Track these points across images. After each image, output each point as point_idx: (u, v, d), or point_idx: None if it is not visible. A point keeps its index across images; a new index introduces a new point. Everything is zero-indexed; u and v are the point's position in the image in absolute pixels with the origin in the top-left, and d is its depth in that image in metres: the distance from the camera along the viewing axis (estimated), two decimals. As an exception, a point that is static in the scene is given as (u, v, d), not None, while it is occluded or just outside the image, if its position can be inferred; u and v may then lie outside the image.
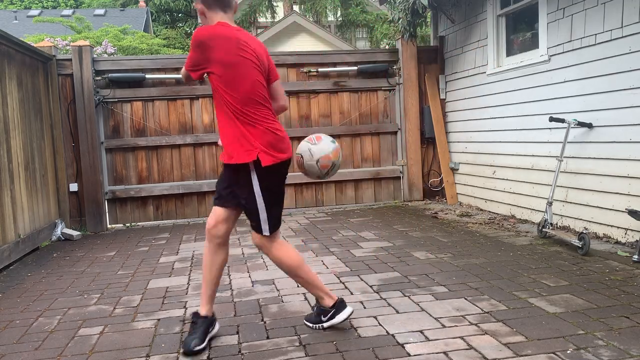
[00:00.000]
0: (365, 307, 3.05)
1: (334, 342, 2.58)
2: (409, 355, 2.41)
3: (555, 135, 4.83)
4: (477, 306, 2.97)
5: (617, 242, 4.20)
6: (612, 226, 4.28)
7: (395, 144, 7.00)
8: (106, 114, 6.29)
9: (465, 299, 3.11)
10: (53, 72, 5.92)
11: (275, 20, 16.75)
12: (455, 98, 6.74)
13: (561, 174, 4.65)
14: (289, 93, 6.69)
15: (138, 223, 6.41)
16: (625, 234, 4.14)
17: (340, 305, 2.71)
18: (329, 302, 2.71)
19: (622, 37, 4.05)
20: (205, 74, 2.56)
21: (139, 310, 3.21)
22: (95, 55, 6.41)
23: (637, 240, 3.86)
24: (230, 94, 2.51)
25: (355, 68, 6.80)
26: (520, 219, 5.46)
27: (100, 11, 23.86)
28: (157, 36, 18.00)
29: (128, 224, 6.37)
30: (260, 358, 2.47)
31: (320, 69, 6.74)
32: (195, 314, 2.66)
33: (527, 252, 4.13)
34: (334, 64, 6.81)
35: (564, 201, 4.78)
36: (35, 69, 5.52)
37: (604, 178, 4.33)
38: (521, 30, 5.61)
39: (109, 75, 6.21)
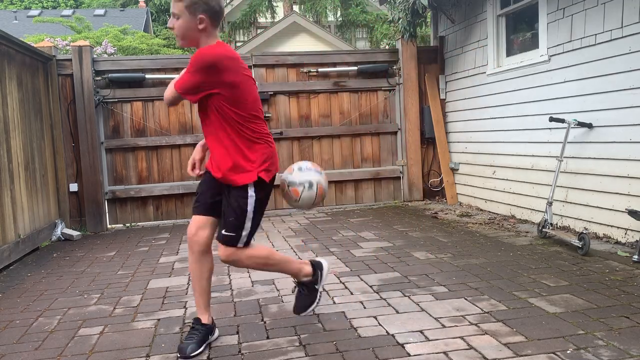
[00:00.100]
0: (365, 307, 3.05)
1: (334, 342, 2.58)
2: (409, 355, 2.41)
3: (555, 136, 4.83)
4: (477, 306, 2.98)
5: (617, 242, 4.20)
6: (612, 226, 4.28)
7: (395, 144, 7.00)
8: (106, 114, 6.29)
9: (465, 299, 3.11)
10: (53, 72, 5.93)
11: (275, 20, 16.75)
12: (455, 98, 6.74)
13: (561, 174, 4.65)
14: (289, 93, 6.69)
15: (138, 223, 6.41)
16: (625, 234, 4.14)
17: (317, 264, 2.83)
18: (309, 269, 2.77)
19: (622, 37, 4.05)
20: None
21: (139, 310, 3.21)
22: (95, 56, 6.42)
23: (637, 240, 3.86)
24: (236, 112, 2.44)
25: (355, 68, 6.80)
26: (520, 219, 5.46)
27: (100, 11, 23.86)
28: (157, 36, 18.00)
29: (128, 224, 6.37)
30: (260, 358, 2.47)
31: (320, 69, 6.74)
32: (197, 320, 2.64)
33: (527, 252, 4.13)
34: (334, 64, 6.81)
35: (564, 201, 4.78)
36: (35, 69, 5.52)
37: (604, 178, 4.33)
38: (521, 30, 5.61)
39: (109, 75, 6.21)
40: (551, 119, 4.54)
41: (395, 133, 6.99)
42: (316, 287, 2.79)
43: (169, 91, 2.51)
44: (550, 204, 4.45)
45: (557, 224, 4.82)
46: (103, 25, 14.83)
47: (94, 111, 6.08)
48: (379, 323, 2.80)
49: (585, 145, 4.51)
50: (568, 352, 2.35)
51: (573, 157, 4.64)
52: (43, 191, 5.50)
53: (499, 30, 5.80)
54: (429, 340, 2.55)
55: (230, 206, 2.52)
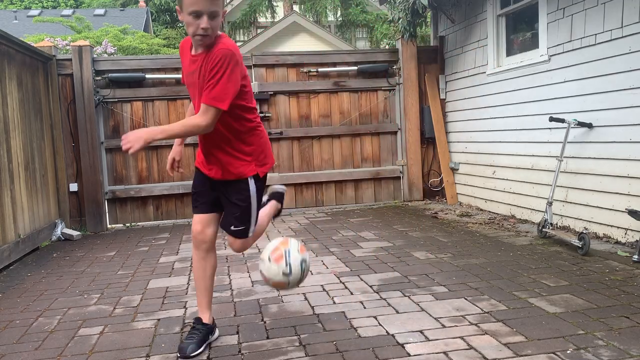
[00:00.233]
0: (365, 307, 3.05)
1: (334, 342, 2.58)
2: (409, 355, 2.41)
3: (555, 135, 4.82)
4: (477, 306, 2.98)
5: (617, 242, 4.20)
6: (612, 226, 4.28)
7: (395, 144, 7.00)
8: (106, 114, 6.29)
9: (465, 299, 3.11)
10: (53, 72, 5.92)
11: (275, 20, 16.75)
12: (455, 98, 6.74)
13: (561, 174, 4.65)
14: (289, 93, 6.69)
15: (138, 223, 6.41)
16: (625, 234, 4.14)
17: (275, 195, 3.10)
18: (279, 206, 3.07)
19: (622, 37, 4.05)
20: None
21: (139, 310, 3.21)
22: (95, 55, 6.42)
23: (637, 240, 3.86)
24: (242, 104, 2.44)
25: (355, 68, 6.80)
26: (520, 219, 5.46)
27: (100, 11, 23.86)
28: (157, 36, 18.00)
29: (128, 224, 6.37)
30: (260, 358, 2.47)
31: (320, 69, 6.74)
32: (198, 320, 2.64)
33: (527, 252, 4.13)
34: (334, 64, 6.81)
35: (564, 201, 4.78)
36: (35, 69, 5.52)
37: (604, 178, 4.33)
38: (521, 30, 5.61)
39: (109, 75, 6.21)
40: (551, 119, 4.54)
41: (395, 133, 6.99)
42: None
43: (204, 116, 2.28)
44: (550, 203, 4.45)
45: (557, 224, 4.82)
46: (103, 25, 14.83)
47: (94, 111, 6.08)
48: (379, 323, 2.80)
49: (585, 145, 4.51)
50: (568, 352, 2.35)
51: (573, 157, 4.64)
52: (43, 191, 5.50)
53: (499, 30, 5.80)
54: (429, 340, 2.55)
55: (233, 202, 2.55)
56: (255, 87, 6.36)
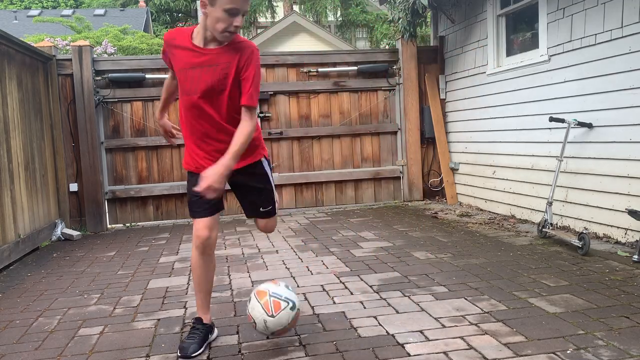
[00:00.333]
0: (365, 307, 3.05)
1: (334, 342, 2.58)
2: (409, 355, 2.41)
3: (555, 135, 4.82)
4: (477, 306, 2.97)
5: (617, 242, 4.20)
6: (612, 226, 4.28)
7: (395, 144, 7.00)
8: (106, 114, 6.29)
9: (465, 299, 3.11)
10: (53, 72, 5.92)
11: (275, 20, 16.75)
12: (455, 98, 6.74)
13: (561, 174, 4.65)
14: (289, 93, 6.69)
15: (138, 223, 6.41)
16: (625, 234, 4.14)
17: None
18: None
19: (622, 37, 4.05)
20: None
21: (139, 310, 3.21)
22: (95, 55, 6.42)
23: (637, 240, 3.86)
24: None
25: (355, 68, 6.80)
26: (520, 219, 5.46)
27: (100, 11, 23.86)
28: (157, 36, 17.99)
29: (128, 224, 6.37)
30: (260, 358, 2.47)
31: (320, 69, 6.74)
32: (198, 320, 2.63)
33: (527, 252, 4.13)
34: (334, 64, 6.81)
35: (564, 201, 4.78)
36: (35, 69, 5.52)
37: (604, 178, 4.33)
38: (521, 30, 5.61)
39: (109, 75, 6.21)
40: (551, 119, 4.54)
41: (395, 133, 6.99)
42: None
43: (252, 119, 2.41)
44: (550, 203, 4.45)
45: (557, 224, 4.82)
46: (103, 25, 14.82)
47: (94, 111, 6.08)
48: (379, 323, 2.80)
49: (585, 145, 4.51)
50: (568, 352, 2.35)
51: (573, 157, 4.64)
52: (43, 191, 5.50)
53: (499, 30, 5.80)
54: (429, 340, 2.55)
55: (255, 186, 2.63)
56: (255, 87, 6.36)
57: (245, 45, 2.39)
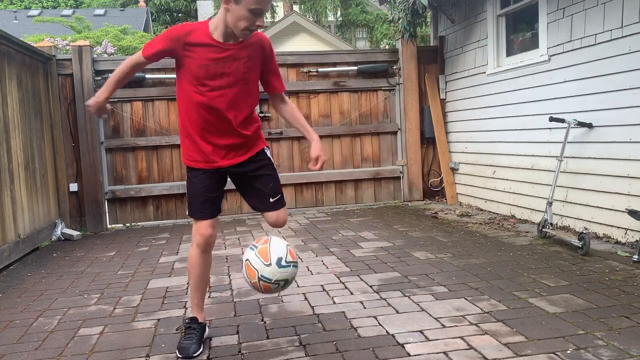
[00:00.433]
0: (365, 307, 3.05)
1: (334, 342, 2.58)
2: (409, 355, 2.41)
3: (555, 135, 4.82)
4: (477, 306, 2.97)
5: (617, 242, 4.20)
6: (612, 226, 4.28)
7: (395, 144, 7.00)
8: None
9: (465, 299, 3.11)
10: (53, 72, 5.92)
11: (275, 20, 16.75)
12: (455, 98, 6.74)
13: (561, 174, 4.65)
14: (289, 93, 6.68)
15: (138, 223, 6.41)
16: (625, 234, 4.14)
17: None
18: None
19: (622, 37, 4.05)
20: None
21: (139, 310, 3.21)
22: (95, 55, 6.42)
23: (637, 240, 3.86)
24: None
25: (355, 68, 6.80)
26: (520, 219, 5.46)
27: (100, 11, 23.86)
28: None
29: (128, 224, 6.37)
30: (260, 358, 2.47)
31: (320, 69, 6.74)
32: (194, 319, 2.63)
33: (527, 252, 4.13)
34: (334, 64, 6.81)
35: (564, 201, 4.78)
36: (35, 69, 5.52)
37: (604, 178, 4.33)
38: (521, 30, 5.61)
39: (109, 75, 6.18)
40: (551, 119, 4.54)
41: (395, 133, 6.99)
42: None
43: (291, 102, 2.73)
44: (550, 203, 4.45)
45: (557, 224, 4.82)
46: (103, 25, 14.82)
47: (94, 111, 6.07)
48: (379, 323, 2.80)
49: (585, 145, 4.51)
50: (568, 352, 2.35)
51: (573, 157, 4.64)
52: (43, 191, 5.50)
53: (499, 30, 5.80)
54: (429, 340, 2.55)
55: (263, 175, 2.61)
56: (255, 87, 6.37)
57: (263, 38, 2.50)
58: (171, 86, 6.41)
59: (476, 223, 5.42)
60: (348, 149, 6.88)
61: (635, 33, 3.93)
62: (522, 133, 5.38)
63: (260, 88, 2.64)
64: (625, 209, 3.94)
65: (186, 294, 3.50)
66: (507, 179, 5.69)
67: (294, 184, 6.70)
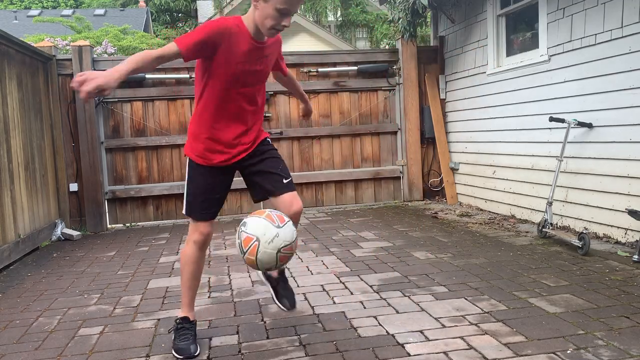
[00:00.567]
0: (365, 307, 3.05)
1: (334, 342, 2.58)
2: (409, 355, 2.41)
3: (555, 135, 4.82)
4: (477, 306, 2.97)
5: (617, 242, 4.20)
6: (612, 226, 4.28)
7: (395, 144, 7.00)
8: (106, 114, 6.29)
9: (465, 299, 3.11)
10: (53, 72, 5.92)
11: (275, 20, 16.71)
12: (455, 98, 6.74)
13: (561, 174, 4.65)
14: (289, 93, 6.68)
15: (138, 223, 6.41)
16: (625, 234, 4.14)
17: None
18: None
19: (622, 37, 4.05)
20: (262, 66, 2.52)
21: (139, 310, 3.21)
22: (95, 55, 6.42)
23: (637, 240, 3.86)
24: None
25: (355, 68, 6.80)
26: (520, 219, 5.46)
27: (100, 11, 23.85)
28: (157, 36, 17.99)
29: (128, 224, 6.37)
30: (260, 358, 2.47)
31: (320, 69, 6.74)
32: (185, 319, 2.61)
33: (527, 252, 4.13)
34: (334, 64, 6.81)
35: (564, 201, 4.78)
36: (35, 69, 5.52)
37: (604, 178, 4.33)
38: (521, 30, 5.61)
39: (111, 73, 6.19)
40: (551, 119, 4.54)
41: (395, 133, 6.99)
42: None
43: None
44: (550, 203, 4.45)
45: (557, 224, 4.82)
46: (103, 25, 14.81)
47: (94, 111, 6.08)
48: (379, 323, 2.80)
49: (585, 145, 4.51)
50: (568, 352, 2.35)
51: (573, 157, 4.64)
52: (43, 191, 5.50)
53: (499, 30, 5.80)
54: (429, 340, 2.55)
55: (270, 158, 2.58)
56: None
57: (278, 35, 2.51)
58: (171, 86, 6.42)
59: (476, 223, 5.42)
60: (348, 149, 6.88)
61: (635, 33, 3.93)
62: (522, 133, 5.38)
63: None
64: (625, 209, 3.94)
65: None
66: (507, 179, 5.69)
67: (294, 184, 6.69)
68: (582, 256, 3.90)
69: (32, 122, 5.30)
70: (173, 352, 2.54)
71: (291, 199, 2.51)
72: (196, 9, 21.89)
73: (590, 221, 4.51)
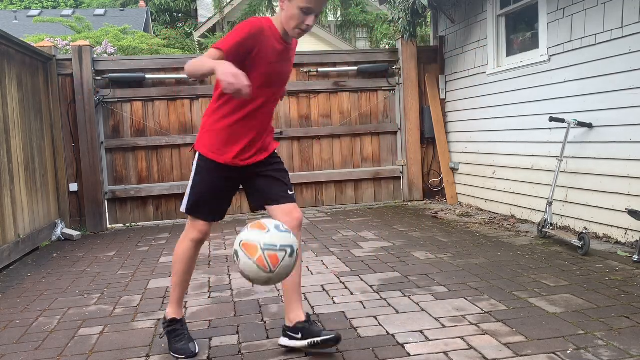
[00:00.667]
0: (365, 307, 3.05)
1: (334, 342, 2.58)
2: (409, 355, 2.41)
3: (555, 135, 4.82)
4: (477, 306, 2.97)
5: (617, 242, 4.20)
6: (612, 226, 4.28)
7: (395, 144, 7.00)
8: (106, 114, 6.29)
9: (465, 299, 3.11)
10: (53, 72, 5.93)
11: (275, 20, 16.72)
12: (455, 98, 6.74)
13: (561, 174, 4.65)
14: (289, 93, 6.68)
15: (138, 223, 6.41)
16: (625, 234, 4.14)
17: None
18: None
19: (622, 37, 4.05)
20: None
21: (139, 310, 3.21)
22: (95, 55, 6.42)
23: (637, 240, 3.86)
24: None
25: (355, 68, 6.80)
26: (520, 219, 5.46)
27: (100, 11, 23.86)
28: (157, 36, 18.00)
29: (128, 224, 6.37)
30: (260, 358, 2.47)
31: (320, 69, 6.74)
32: (174, 320, 2.58)
33: (527, 252, 4.13)
34: (334, 64, 6.81)
35: (564, 201, 4.78)
36: (35, 69, 5.52)
37: (604, 178, 4.33)
38: (521, 30, 5.61)
39: (109, 75, 6.21)
40: (551, 119, 4.54)
41: (395, 133, 6.99)
42: None
43: None
44: (550, 204, 4.45)
45: (557, 224, 4.82)
46: (103, 25, 14.82)
47: (94, 111, 6.08)
48: (379, 323, 2.80)
49: (585, 145, 4.51)
50: (568, 352, 2.35)
51: (573, 157, 4.64)
52: (43, 191, 5.50)
53: (499, 30, 5.80)
54: (429, 340, 2.55)
55: (278, 170, 2.56)
56: (255, 87, 6.37)
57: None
58: (171, 86, 6.42)
59: (476, 223, 5.42)
60: (348, 149, 6.88)
61: (635, 33, 3.93)
62: (522, 133, 5.38)
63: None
64: (625, 209, 3.94)
65: (186, 293, 3.49)
66: (507, 179, 5.69)
67: (294, 184, 6.63)
68: (582, 256, 3.90)
69: (32, 122, 5.30)
70: (172, 353, 2.52)
71: (292, 209, 2.50)
72: (196, 9, 21.90)
73: (590, 221, 4.51)
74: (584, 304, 2.91)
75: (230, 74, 2.02)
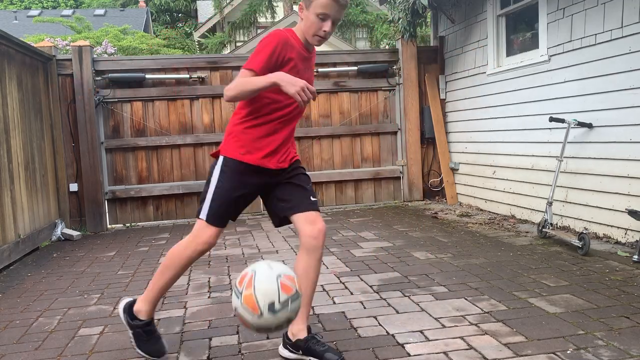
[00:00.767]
0: (365, 307, 3.05)
1: (334, 342, 2.58)
2: (409, 355, 2.41)
3: (555, 135, 4.83)
4: (477, 306, 2.97)
5: (617, 242, 4.20)
6: (612, 226, 4.28)
7: (395, 144, 7.00)
8: (106, 114, 6.29)
9: (465, 299, 3.11)
10: (53, 72, 5.93)
11: (275, 20, 16.75)
12: (455, 98, 6.74)
13: (561, 174, 4.65)
14: (289, 93, 6.68)
15: (138, 223, 6.41)
16: (625, 234, 4.14)
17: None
18: None
19: (622, 37, 4.05)
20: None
21: (139, 310, 3.21)
22: (95, 55, 6.42)
23: (637, 240, 3.86)
24: None
25: (355, 68, 6.80)
26: (520, 219, 5.46)
27: (100, 11, 23.87)
28: (157, 36, 18.01)
29: (128, 224, 6.37)
30: (260, 358, 2.47)
31: (320, 69, 6.74)
32: (150, 323, 2.50)
33: (527, 252, 4.13)
34: (334, 64, 6.81)
35: (564, 201, 4.78)
36: (35, 69, 5.52)
37: (604, 178, 4.33)
38: (521, 30, 5.61)
39: (109, 75, 6.21)
40: (551, 119, 4.54)
41: (395, 133, 6.99)
42: None
43: None
44: (550, 204, 4.45)
45: (557, 224, 4.82)
46: (103, 25, 14.83)
47: (94, 111, 6.08)
48: (379, 323, 2.80)
49: (585, 145, 4.51)
50: (568, 352, 2.35)
51: (573, 157, 4.64)
52: (43, 191, 5.50)
53: (499, 30, 5.80)
54: (429, 340, 2.55)
55: (303, 175, 2.56)
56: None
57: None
58: (171, 86, 6.42)
59: (476, 223, 5.42)
60: (348, 149, 6.88)
61: (635, 33, 3.93)
62: (522, 133, 5.38)
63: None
64: (625, 209, 3.94)
65: (186, 294, 3.50)
66: (507, 179, 5.69)
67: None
68: (582, 256, 3.90)
69: (32, 122, 5.30)
70: (145, 354, 2.45)
71: (315, 217, 2.48)
72: (196, 9, 21.91)
73: (590, 221, 4.51)
74: (584, 304, 2.91)
75: (296, 82, 2.13)
